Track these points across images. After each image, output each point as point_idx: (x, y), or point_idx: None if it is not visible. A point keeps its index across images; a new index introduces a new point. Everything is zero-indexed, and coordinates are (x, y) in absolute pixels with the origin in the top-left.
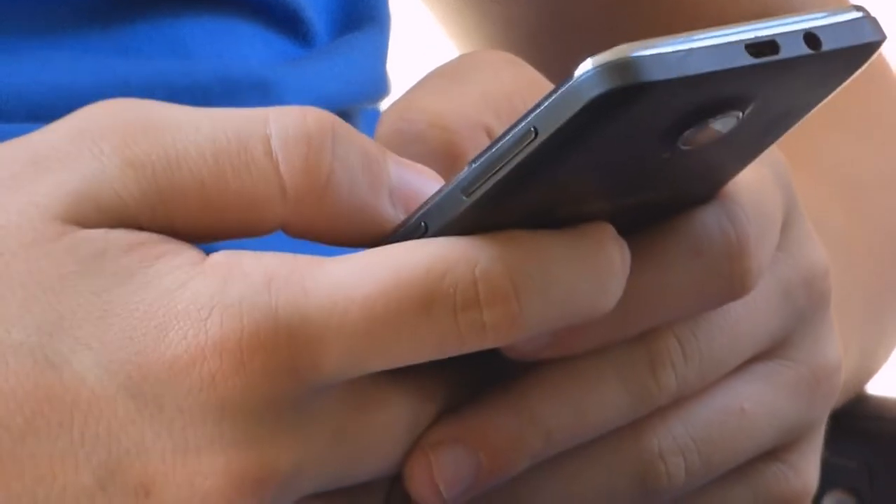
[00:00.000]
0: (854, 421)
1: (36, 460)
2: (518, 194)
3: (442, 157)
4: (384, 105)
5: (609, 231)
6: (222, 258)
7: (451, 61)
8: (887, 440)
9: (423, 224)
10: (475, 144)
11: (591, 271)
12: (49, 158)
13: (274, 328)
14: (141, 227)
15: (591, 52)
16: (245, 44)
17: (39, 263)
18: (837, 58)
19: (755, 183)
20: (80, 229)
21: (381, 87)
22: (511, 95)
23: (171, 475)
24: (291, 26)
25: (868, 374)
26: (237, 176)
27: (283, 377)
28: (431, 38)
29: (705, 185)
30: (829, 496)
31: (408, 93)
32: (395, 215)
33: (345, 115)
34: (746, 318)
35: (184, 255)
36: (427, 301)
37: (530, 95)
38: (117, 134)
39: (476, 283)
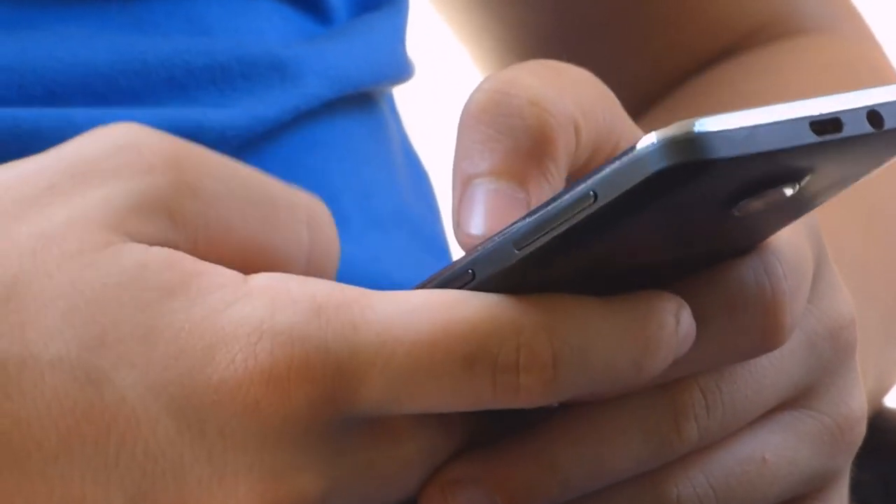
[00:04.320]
0: (869, 434)
1: (66, 481)
2: (569, 253)
3: (536, 134)
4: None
5: (656, 309)
6: (267, 281)
7: (547, 60)
8: None
9: (470, 271)
10: (566, 134)
11: (630, 347)
12: (91, 171)
13: (324, 360)
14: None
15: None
16: (263, 20)
17: (83, 273)
18: None
19: (791, 237)
20: (128, 241)
21: (402, 69)
22: (596, 105)
23: (204, 500)
24: (310, 2)
25: (884, 394)
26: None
27: (324, 408)
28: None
29: (747, 241)
30: None
31: (509, 70)
32: None
33: (366, 95)
34: (771, 370)
35: (226, 275)
36: (471, 358)
37: (611, 114)
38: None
39: (519, 349)
